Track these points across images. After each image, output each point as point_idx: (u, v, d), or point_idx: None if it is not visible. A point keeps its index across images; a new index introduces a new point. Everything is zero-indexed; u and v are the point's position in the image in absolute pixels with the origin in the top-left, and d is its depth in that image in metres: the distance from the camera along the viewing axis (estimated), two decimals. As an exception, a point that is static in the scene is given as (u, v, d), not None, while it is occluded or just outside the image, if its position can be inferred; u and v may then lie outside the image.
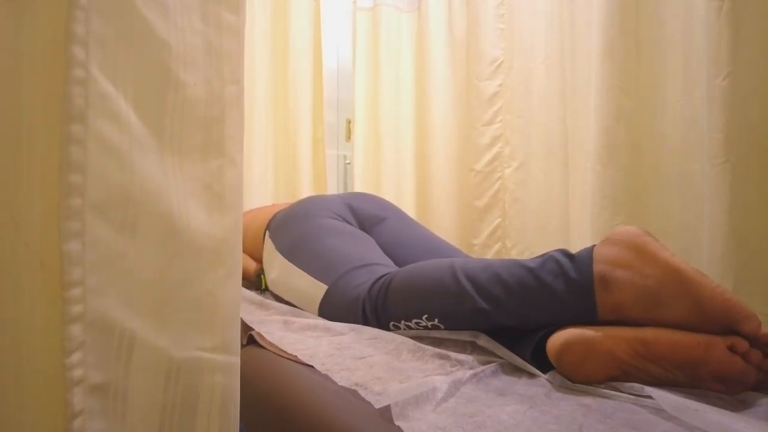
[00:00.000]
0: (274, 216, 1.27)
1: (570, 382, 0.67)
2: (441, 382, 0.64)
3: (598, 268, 0.69)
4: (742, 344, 0.61)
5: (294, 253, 1.09)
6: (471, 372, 0.69)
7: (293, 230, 1.15)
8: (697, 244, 1.18)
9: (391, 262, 1.06)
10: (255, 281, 1.28)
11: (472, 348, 0.80)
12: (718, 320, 0.62)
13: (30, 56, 0.36)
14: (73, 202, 0.35)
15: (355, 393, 0.63)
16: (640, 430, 0.55)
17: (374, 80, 2.02)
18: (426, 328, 0.83)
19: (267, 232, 1.23)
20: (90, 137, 0.35)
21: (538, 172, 1.81)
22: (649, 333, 0.65)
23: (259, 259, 1.29)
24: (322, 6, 1.99)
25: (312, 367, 0.71)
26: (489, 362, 0.74)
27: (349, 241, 1.08)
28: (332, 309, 0.95)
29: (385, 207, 1.32)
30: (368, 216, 1.24)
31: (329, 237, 1.09)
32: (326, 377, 0.68)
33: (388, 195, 1.94)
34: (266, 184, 1.91)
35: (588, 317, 0.70)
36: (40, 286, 0.36)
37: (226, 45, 0.45)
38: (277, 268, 1.12)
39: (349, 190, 2.17)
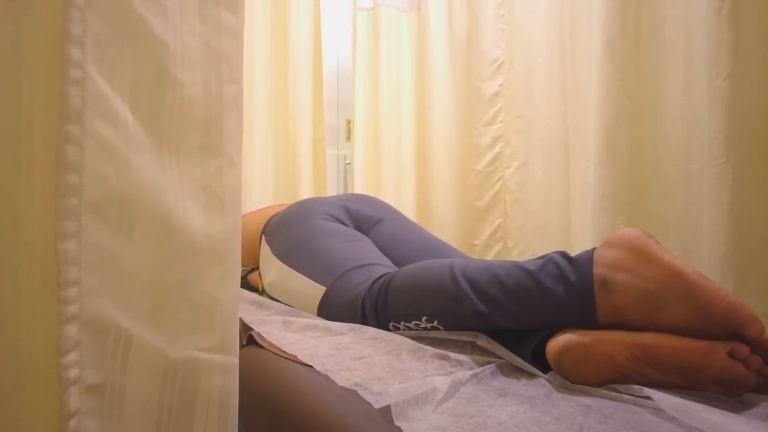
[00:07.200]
0: (270, 220, 1.26)
1: (570, 383, 0.67)
2: (441, 382, 0.64)
3: (598, 271, 0.69)
4: (743, 349, 0.60)
5: (291, 255, 1.09)
6: (471, 372, 0.69)
7: (289, 233, 1.15)
8: (697, 244, 1.18)
9: (389, 262, 1.06)
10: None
11: (472, 348, 0.80)
12: (720, 324, 0.61)
13: (30, 56, 0.36)
14: (70, 202, 0.35)
15: (354, 393, 0.63)
16: (641, 430, 0.54)
17: (374, 80, 2.02)
18: (425, 329, 0.83)
19: (263, 236, 1.23)
20: (87, 137, 0.35)
21: (538, 173, 1.81)
22: (648, 338, 0.64)
23: (255, 264, 1.28)
24: (322, 6, 1.99)
25: (312, 367, 0.71)
26: (489, 362, 0.74)
27: (346, 242, 1.08)
28: (331, 310, 0.95)
29: (381, 208, 1.31)
30: (365, 217, 1.24)
31: (326, 238, 1.08)
32: (326, 377, 0.68)
33: (389, 195, 1.94)
34: (266, 184, 1.91)
35: (588, 321, 0.69)
36: (40, 285, 0.36)
37: (224, 45, 0.45)
38: (274, 272, 1.11)
39: (349, 191, 2.16)
